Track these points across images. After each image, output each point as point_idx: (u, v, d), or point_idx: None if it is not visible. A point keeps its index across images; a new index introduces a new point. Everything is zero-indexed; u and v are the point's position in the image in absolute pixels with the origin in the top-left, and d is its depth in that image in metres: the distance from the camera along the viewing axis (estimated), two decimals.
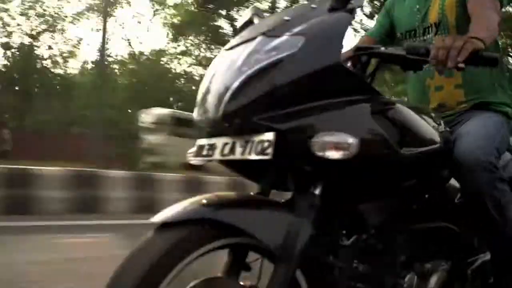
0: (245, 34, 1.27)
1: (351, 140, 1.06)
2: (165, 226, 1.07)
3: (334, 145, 1.05)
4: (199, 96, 1.25)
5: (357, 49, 1.37)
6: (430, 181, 1.44)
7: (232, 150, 1.13)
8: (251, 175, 1.33)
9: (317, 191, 1.17)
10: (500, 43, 1.83)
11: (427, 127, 1.39)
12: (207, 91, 1.21)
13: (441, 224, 1.46)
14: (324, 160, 1.06)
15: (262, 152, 1.07)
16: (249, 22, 1.45)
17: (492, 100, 1.76)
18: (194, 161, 1.26)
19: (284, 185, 1.30)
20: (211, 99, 1.17)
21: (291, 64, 1.10)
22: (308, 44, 1.11)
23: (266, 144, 1.07)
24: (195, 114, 1.24)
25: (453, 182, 1.51)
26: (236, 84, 1.11)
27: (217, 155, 1.16)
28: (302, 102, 1.11)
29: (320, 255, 1.24)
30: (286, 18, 1.19)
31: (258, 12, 1.48)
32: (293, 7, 1.27)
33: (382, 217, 1.35)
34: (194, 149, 1.26)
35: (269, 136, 1.07)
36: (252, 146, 1.09)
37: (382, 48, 1.33)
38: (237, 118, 1.10)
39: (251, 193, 1.28)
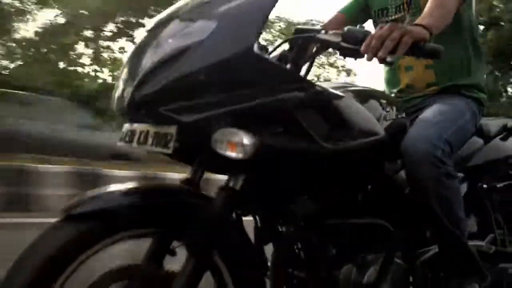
0: (167, 13, 1.20)
1: (246, 140, 1.00)
2: (73, 216, 1.06)
3: (230, 144, 1.00)
4: (117, 81, 1.21)
5: (296, 31, 1.29)
6: (372, 172, 1.38)
7: (145, 140, 1.10)
8: (184, 159, 1.31)
9: (233, 184, 1.13)
10: (472, 19, 1.70)
11: (367, 117, 1.31)
12: (122, 76, 1.16)
13: (382, 222, 1.40)
14: (226, 158, 1.02)
15: (165, 145, 1.04)
16: None
17: (464, 83, 1.66)
18: (120, 145, 1.24)
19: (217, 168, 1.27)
20: (123, 86, 1.13)
21: (198, 52, 1.03)
22: (219, 29, 1.04)
23: (168, 137, 1.04)
24: (112, 99, 1.20)
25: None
26: (144, 71, 1.06)
27: (134, 143, 1.14)
28: (209, 93, 1.04)
29: (242, 245, 1.22)
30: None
31: None
32: None
33: (312, 209, 1.30)
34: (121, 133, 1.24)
35: (171, 129, 1.04)
36: (158, 139, 1.06)
37: (322, 32, 1.25)
38: (142, 108, 1.07)
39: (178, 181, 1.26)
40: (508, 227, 1.84)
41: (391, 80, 1.76)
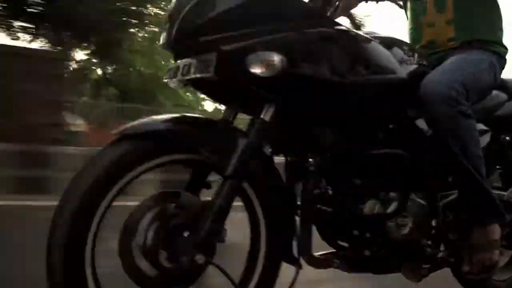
0: None
1: (276, 57, 1.14)
2: (124, 137, 1.20)
3: (262, 61, 1.15)
4: (165, 20, 1.36)
5: None
6: (394, 113, 1.48)
7: (188, 70, 1.24)
8: (216, 97, 1.44)
9: (265, 115, 1.26)
10: None
11: (389, 58, 1.42)
12: (168, 16, 1.31)
13: (402, 154, 1.49)
14: (259, 78, 1.15)
15: (206, 70, 1.18)
16: None
17: (483, 37, 1.73)
18: (169, 82, 1.38)
19: (245, 107, 1.40)
20: (170, 22, 1.28)
21: None
22: None
23: (209, 62, 1.18)
24: (161, 39, 1.35)
25: None
26: (186, 8, 1.22)
27: (179, 76, 1.28)
28: (246, 26, 1.20)
29: (270, 173, 1.34)
30: None
31: None
32: None
33: (338, 140, 1.41)
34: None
35: (212, 55, 1.18)
36: (200, 65, 1.21)
37: None
38: (186, 40, 1.22)
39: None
40: None
41: (414, 37, 1.84)
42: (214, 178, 1.37)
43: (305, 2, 1.35)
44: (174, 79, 1.32)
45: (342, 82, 1.28)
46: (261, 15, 1.21)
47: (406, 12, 1.91)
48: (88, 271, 1.13)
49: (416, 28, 1.83)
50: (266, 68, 1.16)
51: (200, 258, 1.18)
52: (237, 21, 1.20)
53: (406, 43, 1.68)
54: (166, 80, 1.39)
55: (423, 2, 1.78)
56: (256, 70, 1.16)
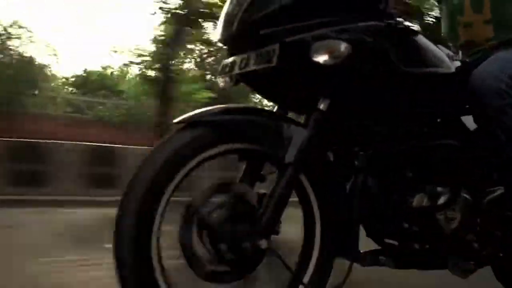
0: None
1: (342, 45, 1.17)
2: (185, 127, 1.22)
3: (327, 49, 1.17)
4: (220, 19, 1.38)
5: None
6: (444, 106, 1.50)
7: (247, 64, 1.27)
8: (269, 94, 1.46)
9: (322, 106, 1.28)
10: None
11: (440, 54, 1.45)
12: (225, 12, 1.35)
13: (449, 148, 1.51)
14: (323, 68, 1.16)
15: (268, 60, 1.20)
16: None
17: None
18: (220, 79, 1.40)
19: (297, 105, 1.41)
20: (228, 18, 1.31)
21: None
22: None
23: (271, 53, 1.20)
24: (217, 34, 1.38)
25: None
26: (246, 3, 1.25)
27: (236, 70, 1.30)
28: (309, 18, 1.23)
29: (325, 165, 1.35)
30: None
31: None
32: None
33: (388, 134, 1.42)
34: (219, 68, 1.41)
35: (274, 46, 1.20)
36: (261, 57, 1.22)
37: None
38: (248, 32, 1.25)
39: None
40: None
41: (452, 36, 1.87)
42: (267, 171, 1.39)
43: None
44: (228, 74, 1.34)
45: (399, 73, 1.30)
46: (323, 7, 1.24)
47: (441, 11, 1.94)
48: (155, 262, 1.13)
49: (452, 28, 1.86)
50: (330, 56, 1.18)
51: (262, 243, 1.18)
52: (298, 13, 1.23)
53: (447, 40, 1.71)
54: (218, 79, 1.41)
55: (459, 2, 1.81)
56: (320, 58, 1.18)
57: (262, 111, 1.36)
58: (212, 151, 1.22)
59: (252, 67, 1.25)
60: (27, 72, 19.20)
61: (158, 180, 1.14)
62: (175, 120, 1.23)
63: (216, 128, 1.21)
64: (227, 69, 1.35)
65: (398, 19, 1.33)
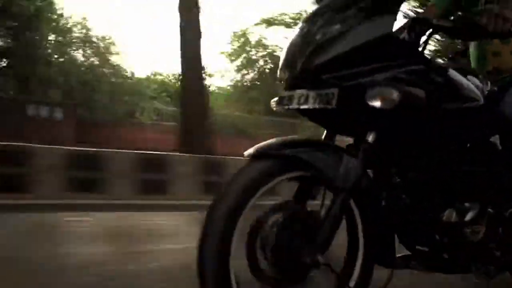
0: (317, 9, 1.57)
1: (394, 93, 1.36)
2: (254, 158, 1.44)
3: (381, 95, 1.36)
4: (281, 58, 1.59)
5: (413, 20, 1.62)
6: (473, 132, 1.69)
7: (306, 101, 1.47)
8: (322, 122, 1.66)
9: (370, 138, 1.48)
10: None
11: (470, 86, 1.64)
12: (289, 54, 1.54)
13: (479, 169, 1.70)
14: (375, 110, 1.37)
15: (328, 102, 1.40)
16: None
17: None
18: (277, 109, 1.60)
19: (346, 132, 1.62)
20: (292, 59, 1.51)
21: (353, 35, 1.41)
22: (366, 19, 1.42)
23: (331, 96, 1.41)
24: (279, 71, 1.58)
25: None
26: (310, 49, 1.44)
27: (294, 105, 1.50)
28: (362, 64, 1.42)
29: (370, 188, 1.55)
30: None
31: None
32: None
33: (423, 158, 1.62)
34: (275, 99, 1.62)
35: (334, 90, 1.40)
36: (321, 98, 1.42)
37: (434, 20, 1.57)
38: (311, 75, 1.44)
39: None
40: None
41: (480, 64, 2.05)
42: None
43: (406, 41, 1.55)
44: (285, 106, 1.54)
45: (437, 110, 1.50)
46: (373, 55, 1.43)
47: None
48: (232, 276, 1.35)
49: (481, 56, 2.04)
50: (383, 102, 1.36)
51: (320, 259, 1.41)
52: (355, 61, 1.41)
53: (475, 70, 1.89)
54: (274, 106, 1.62)
55: None
56: (375, 103, 1.37)
57: (319, 143, 1.56)
58: (279, 179, 1.42)
59: (311, 105, 1.45)
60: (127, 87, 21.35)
61: (237, 203, 1.35)
62: (246, 153, 1.44)
63: (282, 160, 1.42)
64: (285, 102, 1.55)
65: (436, 61, 1.52)
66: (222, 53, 29.55)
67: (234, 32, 30.29)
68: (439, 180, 1.68)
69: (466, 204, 1.72)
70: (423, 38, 1.61)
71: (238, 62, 30.65)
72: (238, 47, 30.49)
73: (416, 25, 1.59)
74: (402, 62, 1.46)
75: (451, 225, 1.68)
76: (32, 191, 6.37)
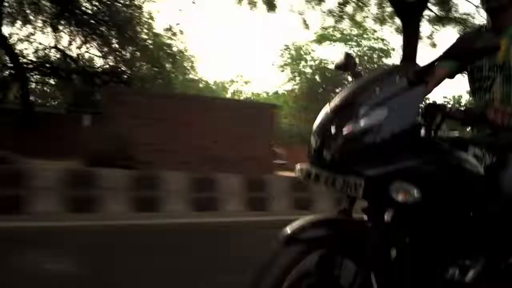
0: (344, 96, 1.81)
1: (415, 190, 1.57)
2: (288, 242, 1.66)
3: (403, 191, 1.57)
4: (312, 142, 1.80)
5: (428, 106, 1.89)
6: (475, 204, 1.92)
7: (333, 183, 1.69)
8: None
9: (386, 218, 1.76)
10: None
11: (471, 160, 1.84)
12: (316, 147, 1.75)
13: (479, 234, 1.89)
14: (396, 201, 1.59)
15: (354, 191, 1.62)
16: (342, 66, 2.04)
17: None
18: (304, 180, 1.85)
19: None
20: (320, 146, 1.73)
21: (378, 130, 1.64)
22: (390, 115, 1.65)
23: (357, 186, 1.60)
24: (309, 159, 1.80)
25: None
26: (339, 141, 1.67)
27: (322, 183, 1.74)
28: (385, 155, 1.63)
29: (386, 260, 1.79)
30: (377, 91, 1.71)
31: (350, 60, 2.04)
32: (383, 78, 1.84)
33: (434, 229, 1.85)
34: (301, 169, 1.83)
35: (360, 181, 1.59)
36: (348, 185, 1.64)
37: (448, 108, 1.83)
38: (339, 163, 1.67)
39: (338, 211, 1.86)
40: None
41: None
42: None
43: (426, 137, 1.77)
44: (314, 182, 1.76)
45: (450, 194, 1.73)
46: (396, 148, 1.62)
47: (472, 96, 2.30)
48: None
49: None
50: (405, 197, 1.54)
51: None
52: (379, 154, 1.60)
53: (476, 138, 2.10)
54: (299, 176, 1.84)
55: (490, 98, 2.15)
56: (399, 197, 1.55)
57: (344, 221, 1.80)
58: (309, 257, 1.69)
59: (338, 189, 1.65)
60: None
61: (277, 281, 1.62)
62: (280, 238, 1.66)
63: (311, 242, 1.68)
64: (312, 177, 1.74)
65: (448, 147, 1.77)
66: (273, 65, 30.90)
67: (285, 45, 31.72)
68: (441, 244, 1.86)
69: (467, 261, 1.89)
70: (437, 121, 1.87)
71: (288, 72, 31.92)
72: (289, 58, 31.90)
73: (430, 111, 1.84)
74: (423, 153, 1.68)
75: (453, 283, 1.88)
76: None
